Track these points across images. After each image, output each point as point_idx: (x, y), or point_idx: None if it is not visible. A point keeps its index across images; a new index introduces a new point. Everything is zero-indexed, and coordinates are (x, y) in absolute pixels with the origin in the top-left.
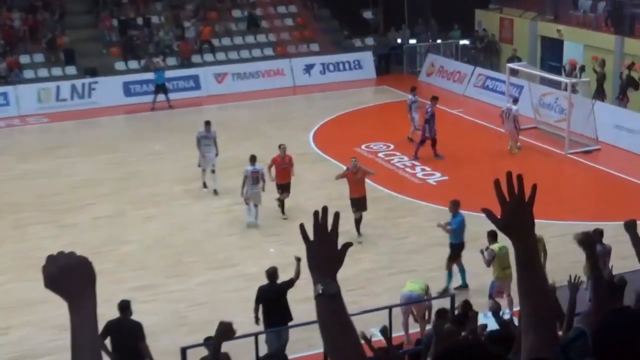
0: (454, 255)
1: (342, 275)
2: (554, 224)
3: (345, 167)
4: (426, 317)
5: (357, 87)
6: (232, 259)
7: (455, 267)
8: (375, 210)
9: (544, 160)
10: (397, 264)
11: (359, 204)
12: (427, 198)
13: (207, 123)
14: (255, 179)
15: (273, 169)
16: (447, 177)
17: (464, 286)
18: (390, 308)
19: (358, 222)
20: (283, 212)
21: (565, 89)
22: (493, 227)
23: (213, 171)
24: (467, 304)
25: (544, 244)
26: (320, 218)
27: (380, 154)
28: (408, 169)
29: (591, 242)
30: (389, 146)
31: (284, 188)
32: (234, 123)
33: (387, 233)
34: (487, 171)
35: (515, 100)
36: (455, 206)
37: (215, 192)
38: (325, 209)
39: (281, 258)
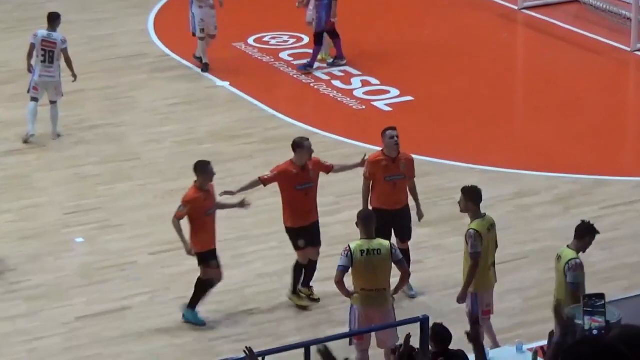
0: None
1: None
2: (610, 182)
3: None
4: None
5: None
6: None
7: None
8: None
9: (592, 64)
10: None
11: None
12: (377, 139)
13: (54, 19)
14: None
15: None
16: (411, 97)
17: None
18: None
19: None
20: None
21: None
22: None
23: (54, 102)
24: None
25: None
26: None
27: (283, 55)
28: (337, 82)
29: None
30: (301, 39)
31: (306, 235)
32: None
33: None
34: (487, 80)
35: None
36: None
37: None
38: None
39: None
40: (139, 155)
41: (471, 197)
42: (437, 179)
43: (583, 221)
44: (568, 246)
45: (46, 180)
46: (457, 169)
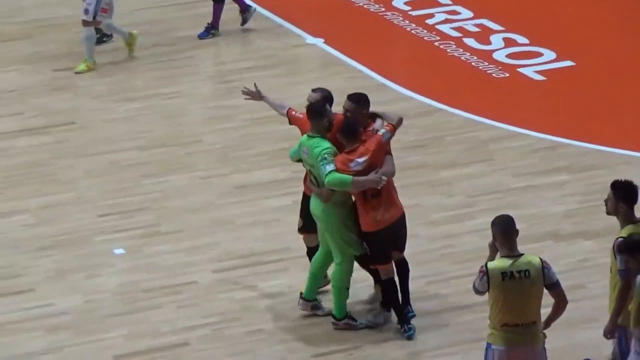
0: None
1: None
2: None
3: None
4: None
5: None
6: None
7: None
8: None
9: None
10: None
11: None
12: (525, 118)
13: None
14: None
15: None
16: (571, 62)
17: None
18: None
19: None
20: None
21: None
22: None
23: None
24: None
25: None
26: None
27: (398, 2)
28: (471, 41)
29: None
30: None
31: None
32: None
33: (419, 206)
34: None
35: None
36: None
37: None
38: None
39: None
40: (200, 137)
41: (623, 195)
42: (605, 175)
43: None
44: None
45: (74, 169)
46: (634, 162)
